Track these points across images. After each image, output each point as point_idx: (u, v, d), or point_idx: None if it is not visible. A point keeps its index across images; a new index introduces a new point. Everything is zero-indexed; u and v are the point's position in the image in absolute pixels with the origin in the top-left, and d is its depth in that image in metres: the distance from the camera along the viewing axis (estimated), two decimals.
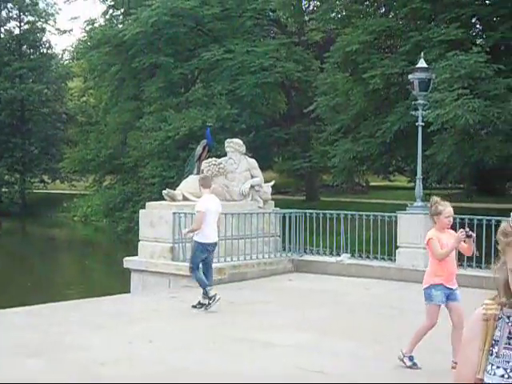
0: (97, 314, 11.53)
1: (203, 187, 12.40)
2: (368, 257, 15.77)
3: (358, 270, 15.37)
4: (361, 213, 16.35)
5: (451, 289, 8.03)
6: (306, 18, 39.32)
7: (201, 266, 12.13)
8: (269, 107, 41.15)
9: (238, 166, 16.79)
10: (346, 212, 16.26)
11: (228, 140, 17.35)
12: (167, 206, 15.27)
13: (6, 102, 59.02)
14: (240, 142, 17.20)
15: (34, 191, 61.93)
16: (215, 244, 12.27)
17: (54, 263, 33.43)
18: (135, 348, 9.05)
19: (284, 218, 16.63)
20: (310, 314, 11.24)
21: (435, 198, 8.21)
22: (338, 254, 16.02)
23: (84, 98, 60.26)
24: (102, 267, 32.62)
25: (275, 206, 17.62)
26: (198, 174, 16.52)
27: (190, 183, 16.26)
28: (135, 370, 8.03)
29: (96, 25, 40.86)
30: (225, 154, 17.16)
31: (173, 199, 15.78)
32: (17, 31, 62.51)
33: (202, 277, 11.88)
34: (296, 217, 16.50)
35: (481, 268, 13.85)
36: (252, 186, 16.71)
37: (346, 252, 16.01)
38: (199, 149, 16.88)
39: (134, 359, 8.50)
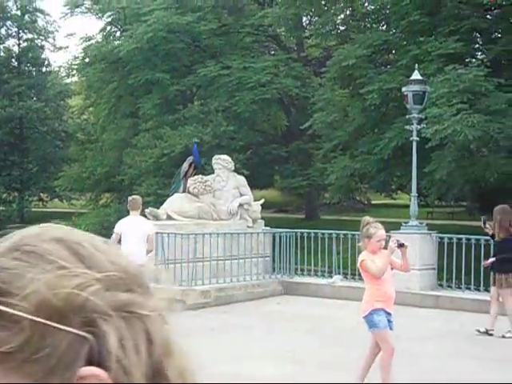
0: None
1: (131, 209, 11.96)
2: (361, 279, 14.95)
3: (351, 293, 14.54)
4: (354, 232, 15.47)
5: (390, 314, 7.42)
6: (306, 34, 38.77)
7: None
8: (270, 123, 40.59)
9: (225, 183, 16.10)
10: (337, 232, 15.47)
11: (215, 156, 16.68)
12: (150, 226, 14.50)
13: (5, 120, 58.51)
14: (228, 158, 16.51)
15: (33, 210, 61.30)
16: None
17: None
18: None
19: (274, 237, 15.87)
20: (293, 343, 10.46)
21: (366, 219, 7.57)
22: (330, 276, 15.25)
23: (84, 116, 59.66)
24: None
25: (272, 225, 16.91)
26: (184, 191, 15.88)
27: (175, 201, 15.58)
28: None
29: (92, 41, 40.27)
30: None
31: (156, 218, 15.07)
32: (16, 49, 62.13)
33: None
34: (287, 236, 15.74)
35: (479, 291, 13.08)
36: (241, 205, 16.01)
37: (339, 273, 15.23)
38: (185, 166, 16.20)
39: None
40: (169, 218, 15.10)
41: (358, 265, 7.67)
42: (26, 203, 59.90)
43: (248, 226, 15.95)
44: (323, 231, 15.47)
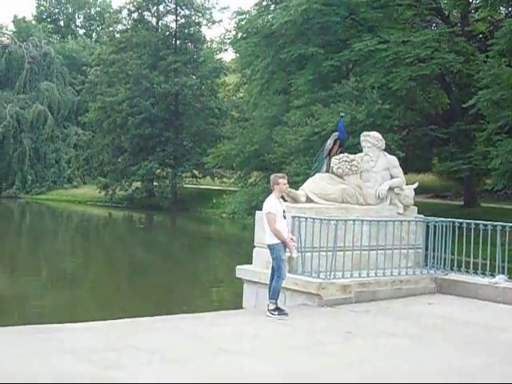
0: (174, 337, 9.34)
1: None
2: None
3: None
4: None
5: None
6: (471, 7, 35.95)
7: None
8: (429, 102, 38.16)
9: (374, 163, 14.26)
10: (502, 224, 13.24)
11: (364, 133, 14.84)
12: (287, 208, 12.89)
13: (161, 96, 59.08)
14: (378, 135, 14.63)
15: (185, 186, 61.69)
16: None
17: (199, 261, 32.76)
18: None
19: (428, 227, 13.87)
20: (446, 358, 8.58)
21: None
22: (493, 275, 13.12)
23: (240, 94, 59.03)
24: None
25: (428, 212, 14.95)
26: (327, 171, 14.18)
27: (316, 182, 13.90)
28: None
29: (246, 15, 39.18)
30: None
31: (295, 200, 13.47)
32: (173, 25, 62.40)
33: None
34: (442, 226, 13.68)
35: None
36: (391, 188, 14.12)
37: (503, 273, 13.07)
38: (329, 142, 14.43)
39: None
40: (309, 200, 13.46)
41: None
42: (178, 179, 60.22)
43: (398, 213, 14.06)
44: (486, 222, 13.27)
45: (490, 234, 13.08)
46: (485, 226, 13.24)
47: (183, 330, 9.77)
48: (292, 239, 11.46)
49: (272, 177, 11.68)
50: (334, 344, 9.16)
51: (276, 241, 11.03)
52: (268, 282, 11.49)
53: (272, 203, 11.25)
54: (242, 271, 13.45)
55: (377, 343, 9.29)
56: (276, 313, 10.93)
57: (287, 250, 11.16)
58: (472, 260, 13.47)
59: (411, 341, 9.53)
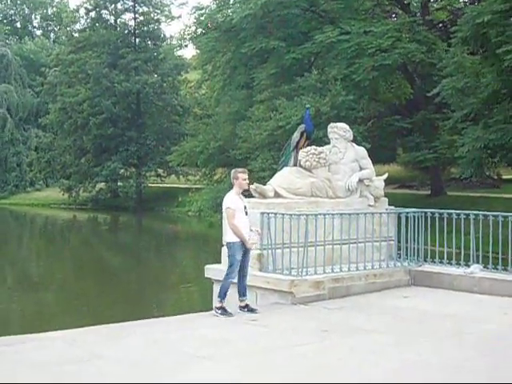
0: (142, 344, 8.91)
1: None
2: (505, 269, 12.49)
3: (494, 286, 12.15)
4: (496, 213, 12.95)
5: None
6: None
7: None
8: (392, 93, 38.00)
9: (343, 155, 13.93)
10: (476, 212, 12.98)
11: (331, 124, 14.50)
12: (255, 204, 12.53)
13: (122, 95, 58.38)
14: (346, 126, 14.31)
15: (150, 185, 61.11)
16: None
17: (167, 261, 32.46)
18: None
19: (400, 218, 13.57)
20: (427, 353, 8.25)
21: None
22: (467, 265, 12.85)
23: (203, 91, 58.51)
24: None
25: (394, 202, 14.64)
26: (294, 165, 13.81)
27: (284, 177, 13.53)
28: None
29: (205, 10, 38.65)
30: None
31: (263, 196, 13.08)
32: (132, 23, 61.71)
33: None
34: (414, 217, 13.40)
35: None
36: (360, 180, 13.80)
37: (478, 262, 12.81)
38: (296, 135, 14.04)
39: None
40: (277, 195, 13.09)
41: None
42: (143, 179, 59.63)
43: (369, 205, 13.74)
44: (458, 211, 13.00)
45: (463, 223, 12.83)
46: (457, 215, 12.99)
47: (152, 336, 9.33)
48: (257, 231, 11.13)
49: (232, 172, 11.33)
50: (310, 344, 8.78)
51: (235, 239, 10.69)
52: (236, 281, 11.12)
53: (231, 198, 10.88)
54: (210, 271, 13.02)
55: (354, 341, 8.92)
56: (219, 311, 10.64)
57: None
58: (446, 250, 13.20)
59: (389, 337, 9.18)
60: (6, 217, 60.76)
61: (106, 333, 9.75)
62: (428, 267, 13.33)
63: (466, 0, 36.91)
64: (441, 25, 37.21)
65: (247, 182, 11.18)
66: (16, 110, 71.74)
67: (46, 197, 66.89)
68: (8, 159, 70.14)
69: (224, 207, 10.92)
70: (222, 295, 10.73)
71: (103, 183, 60.13)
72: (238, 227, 10.66)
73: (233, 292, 11.09)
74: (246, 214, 10.92)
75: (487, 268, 12.66)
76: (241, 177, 10.99)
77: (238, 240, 10.67)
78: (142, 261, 32.71)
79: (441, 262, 13.32)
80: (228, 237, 10.85)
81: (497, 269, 12.58)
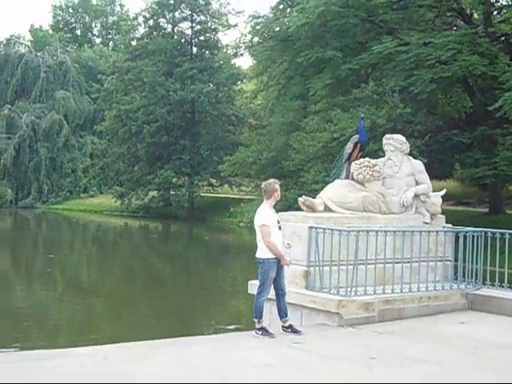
0: (175, 365, 8.26)
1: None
2: None
3: None
4: None
5: None
6: (494, 7, 34.82)
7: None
8: (451, 106, 37.02)
9: (398, 169, 13.18)
10: None
11: (387, 136, 13.77)
12: (302, 218, 11.88)
13: (177, 104, 58.25)
14: (402, 138, 13.57)
15: (202, 195, 60.80)
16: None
17: (217, 272, 32.06)
18: None
19: (457, 237, 12.74)
20: None
21: None
22: None
23: (258, 101, 58.08)
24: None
25: (450, 219, 13.80)
26: (346, 177, 13.11)
27: (335, 189, 12.83)
28: None
29: (262, 19, 38.20)
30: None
31: (312, 209, 12.40)
32: (188, 32, 61.62)
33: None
34: (473, 237, 12.56)
35: None
36: (416, 196, 13.01)
37: None
38: (349, 146, 13.37)
39: None
40: (327, 209, 12.40)
41: None
42: (195, 188, 59.32)
43: (425, 222, 12.96)
44: None
45: None
46: None
47: (186, 357, 8.69)
48: (288, 244, 10.44)
49: (267, 183, 10.48)
50: (357, 373, 8.06)
51: (269, 255, 10.00)
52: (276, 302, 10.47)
53: (266, 213, 10.16)
54: (253, 287, 12.33)
55: (404, 372, 8.16)
56: (260, 332, 9.99)
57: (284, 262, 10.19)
58: (506, 272, 12.31)
59: (442, 368, 8.40)
60: (59, 222, 61.10)
61: (138, 350, 9.14)
62: (487, 291, 12.47)
63: None
64: (503, 38, 36.02)
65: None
66: (73, 116, 72.30)
67: (99, 203, 67.11)
68: (63, 165, 70.62)
69: (259, 223, 10.16)
70: (259, 316, 10.08)
71: (155, 191, 59.98)
72: (276, 245, 9.99)
73: (275, 309, 10.45)
74: (280, 228, 10.23)
75: None
76: (279, 189, 10.33)
77: (273, 256, 9.99)
78: (191, 271, 32.35)
79: (501, 286, 12.45)
80: (261, 252, 10.14)
81: None
